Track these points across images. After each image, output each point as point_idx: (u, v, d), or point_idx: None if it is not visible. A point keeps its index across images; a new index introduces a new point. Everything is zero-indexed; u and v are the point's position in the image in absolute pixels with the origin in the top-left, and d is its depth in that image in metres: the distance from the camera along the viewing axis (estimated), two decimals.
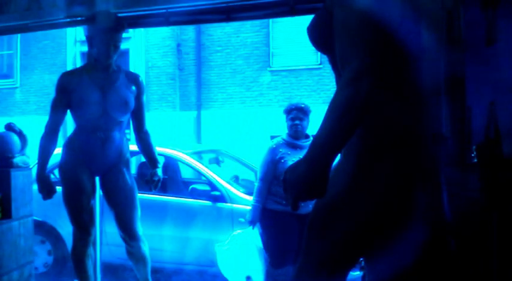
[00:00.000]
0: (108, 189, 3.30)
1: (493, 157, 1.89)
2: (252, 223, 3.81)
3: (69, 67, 10.66)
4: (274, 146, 3.73)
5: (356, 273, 3.43)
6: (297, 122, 3.67)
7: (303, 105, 3.70)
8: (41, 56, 12.00)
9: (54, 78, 3.35)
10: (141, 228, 3.31)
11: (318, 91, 10.34)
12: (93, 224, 3.30)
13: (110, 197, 3.30)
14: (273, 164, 3.68)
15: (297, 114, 3.67)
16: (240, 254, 3.81)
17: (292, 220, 3.60)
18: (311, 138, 3.72)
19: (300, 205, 1.49)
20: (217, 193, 4.81)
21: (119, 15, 3.29)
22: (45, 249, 5.20)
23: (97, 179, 3.34)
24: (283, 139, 3.72)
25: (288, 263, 3.65)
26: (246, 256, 3.79)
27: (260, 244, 3.78)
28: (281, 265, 3.68)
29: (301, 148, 3.66)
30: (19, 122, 4.07)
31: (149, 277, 3.37)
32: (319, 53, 9.10)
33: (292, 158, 3.58)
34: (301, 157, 3.77)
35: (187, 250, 4.57)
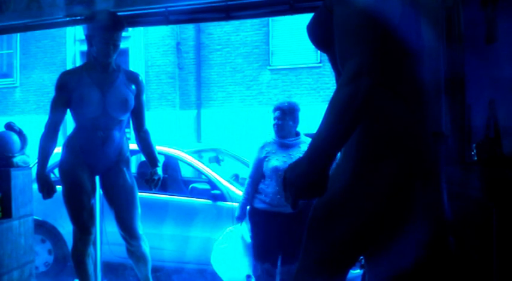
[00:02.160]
0: (108, 188, 3.30)
1: (493, 156, 1.89)
2: (238, 219, 3.85)
3: (69, 66, 10.66)
4: (262, 144, 3.77)
5: (356, 271, 3.44)
6: (277, 121, 3.69)
7: (285, 105, 3.71)
8: (40, 55, 11.99)
9: (54, 77, 3.34)
10: (142, 227, 3.31)
11: (318, 90, 10.34)
12: (93, 223, 3.30)
13: (110, 196, 3.30)
14: (259, 162, 3.72)
15: (279, 114, 3.69)
16: (233, 251, 3.84)
17: (276, 219, 3.63)
18: (301, 136, 3.74)
19: (299, 204, 1.49)
20: (217, 191, 4.82)
21: (119, 14, 3.28)
22: (46, 248, 5.20)
23: (97, 178, 3.34)
24: (273, 138, 3.75)
25: (269, 260, 3.69)
26: (241, 253, 3.82)
27: (248, 239, 3.83)
28: (264, 261, 3.70)
29: (288, 146, 3.68)
30: (19, 122, 4.07)
31: (150, 276, 3.37)
32: (319, 52, 9.09)
33: (276, 157, 3.63)
34: (285, 155, 3.73)
35: (188, 248, 4.57)
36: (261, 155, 3.71)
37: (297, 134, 3.76)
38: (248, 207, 3.80)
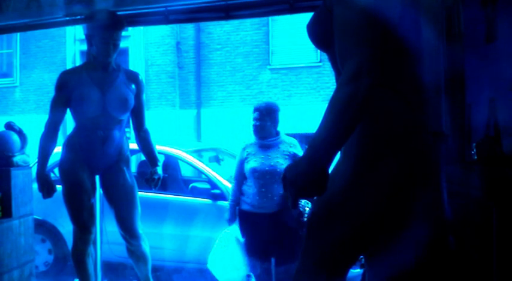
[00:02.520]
0: (108, 187, 3.30)
1: (493, 154, 1.89)
2: (229, 221, 3.90)
3: (69, 66, 10.66)
4: (244, 146, 3.84)
5: (356, 271, 3.43)
6: (255, 122, 3.73)
7: (263, 106, 3.74)
8: (40, 54, 11.99)
9: (54, 77, 3.34)
10: (142, 226, 3.31)
11: (318, 89, 10.34)
12: (93, 223, 3.29)
13: (110, 196, 3.30)
14: (241, 164, 3.78)
15: (257, 115, 3.72)
16: (228, 252, 3.87)
17: (260, 220, 3.68)
18: (281, 135, 3.77)
19: (299, 203, 1.49)
20: (217, 191, 4.82)
21: (118, 13, 3.28)
22: (46, 248, 5.20)
23: (97, 177, 3.34)
24: (254, 139, 3.81)
25: (264, 260, 3.75)
26: (236, 254, 3.85)
27: (242, 239, 3.87)
28: (258, 259, 3.77)
29: (267, 147, 3.72)
30: (19, 121, 4.07)
31: (150, 275, 3.37)
32: (318, 51, 9.10)
33: (254, 158, 3.69)
34: (263, 156, 3.83)
35: (188, 248, 4.58)
36: (242, 157, 3.78)
37: (277, 134, 3.79)
38: (237, 208, 3.86)
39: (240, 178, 3.80)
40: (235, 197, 3.84)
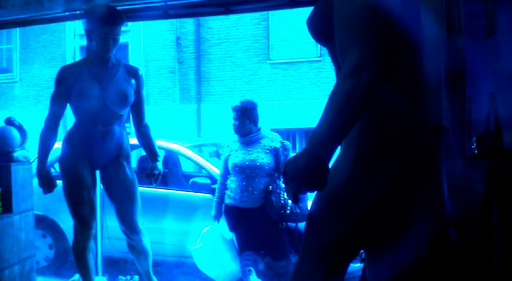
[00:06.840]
0: (108, 183, 3.30)
1: (494, 148, 1.89)
2: (215, 217, 4.00)
3: (69, 61, 10.62)
4: (227, 144, 3.97)
5: (357, 265, 3.44)
6: (234, 122, 3.84)
7: (238, 105, 3.85)
8: (40, 50, 11.97)
9: (54, 72, 3.34)
10: (142, 221, 3.31)
11: (318, 84, 10.32)
12: (94, 218, 3.30)
13: (111, 191, 3.30)
14: (225, 161, 3.92)
15: (234, 114, 3.85)
16: (214, 250, 3.94)
17: (244, 214, 3.80)
18: (262, 131, 3.87)
19: (299, 197, 1.49)
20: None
21: (118, 8, 3.27)
22: (46, 243, 5.21)
23: (97, 172, 3.34)
24: (236, 137, 3.92)
25: (246, 250, 3.85)
26: (223, 251, 3.93)
27: (227, 236, 3.98)
28: (243, 250, 3.88)
29: (249, 142, 3.83)
30: (18, 116, 4.07)
31: (150, 270, 3.38)
32: (319, 46, 9.07)
33: (236, 154, 3.81)
34: (245, 152, 3.97)
35: (189, 242, 4.57)
36: (226, 154, 3.91)
37: (258, 130, 3.88)
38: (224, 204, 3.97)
39: (225, 175, 3.93)
40: (220, 193, 3.96)
